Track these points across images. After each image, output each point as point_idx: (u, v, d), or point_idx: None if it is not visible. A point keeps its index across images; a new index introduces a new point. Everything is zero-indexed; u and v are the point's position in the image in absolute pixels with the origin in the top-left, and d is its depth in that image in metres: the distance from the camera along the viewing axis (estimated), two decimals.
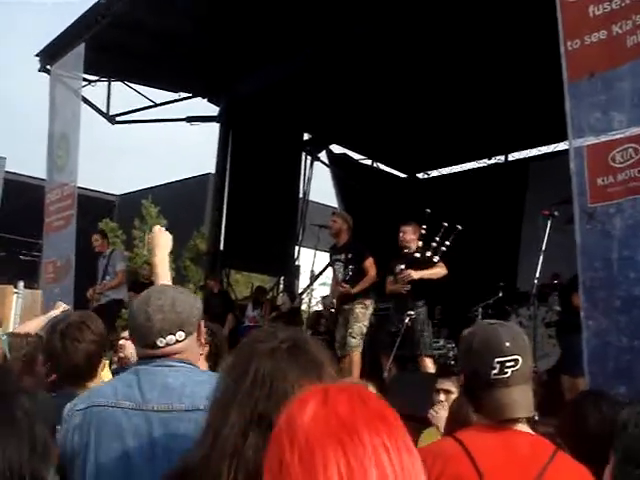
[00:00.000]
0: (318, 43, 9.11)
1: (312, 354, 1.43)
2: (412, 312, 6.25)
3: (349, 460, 0.90)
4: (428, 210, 6.15)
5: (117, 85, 11.08)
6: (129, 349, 4.10)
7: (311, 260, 9.84)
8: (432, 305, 7.10)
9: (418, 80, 10.23)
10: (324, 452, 0.91)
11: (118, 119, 11.54)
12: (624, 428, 1.20)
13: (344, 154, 13.94)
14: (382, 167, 14.68)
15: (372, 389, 3.00)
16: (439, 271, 6.43)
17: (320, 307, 11.15)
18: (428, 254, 6.08)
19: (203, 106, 12.46)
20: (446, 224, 6.12)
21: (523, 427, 1.97)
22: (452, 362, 8.05)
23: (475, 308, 8.78)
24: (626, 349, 3.53)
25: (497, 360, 1.94)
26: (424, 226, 6.15)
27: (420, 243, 6.22)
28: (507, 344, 1.96)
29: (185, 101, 11.98)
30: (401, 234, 6.66)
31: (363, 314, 6.94)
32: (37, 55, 9.66)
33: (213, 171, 12.84)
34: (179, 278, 25.49)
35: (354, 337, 6.83)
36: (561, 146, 10.77)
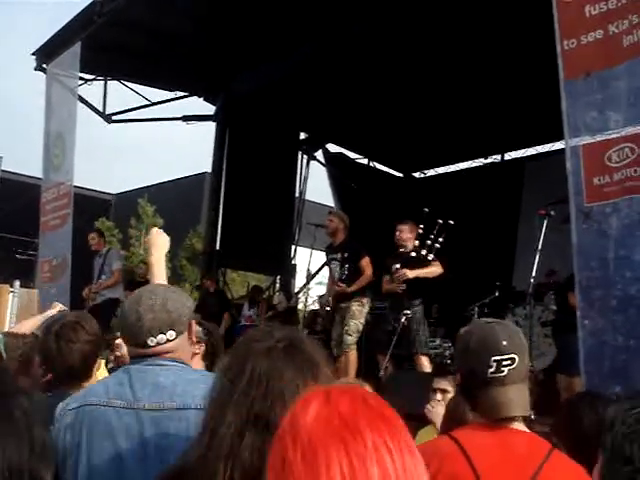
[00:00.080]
0: (314, 42, 9.10)
1: (308, 354, 1.43)
2: (408, 311, 6.25)
3: (351, 459, 0.90)
4: (426, 209, 6.13)
5: (113, 84, 11.09)
6: (125, 348, 4.09)
7: (307, 259, 9.81)
8: (428, 304, 7.11)
9: (414, 79, 10.23)
10: (327, 451, 0.91)
11: (114, 118, 11.54)
12: (611, 426, 1.20)
13: (340, 153, 13.95)
14: (378, 166, 14.69)
15: (368, 388, 3.01)
16: (434, 270, 6.42)
17: (317, 306, 11.15)
18: (423, 252, 6.06)
19: (199, 105, 12.48)
20: (441, 221, 6.10)
21: (519, 426, 1.98)
22: (448, 361, 8.06)
23: (471, 307, 8.80)
24: (622, 348, 3.53)
25: (494, 359, 1.95)
26: (421, 225, 6.13)
27: (417, 242, 6.21)
28: (504, 343, 1.97)
29: (181, 100, 11.98)
30: (397, 233, 6.66)
31: (359, 312, 6.95)
32: (33, 54, 9.64)
33: (209, 170, 12.85)
34: (175, 277, 25.49)
35: (350, 334, 6.83)
36: (557, 145, 10.78)
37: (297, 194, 13.48)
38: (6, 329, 6.05)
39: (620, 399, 1.28)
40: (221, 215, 12.08)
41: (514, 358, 1.96)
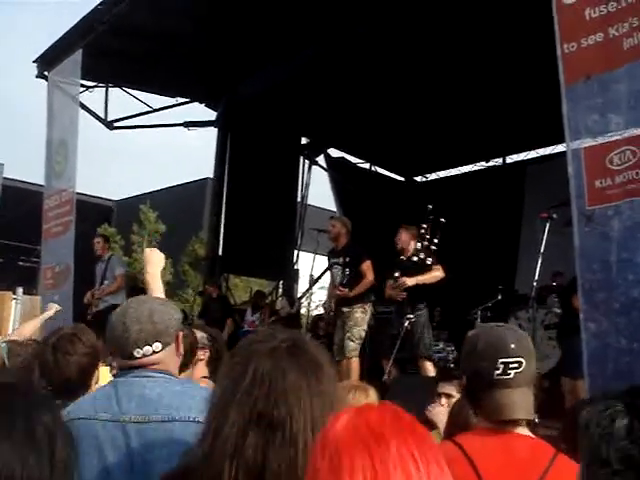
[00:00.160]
0: (315, 47, 9.12)
1: (312, 354, 1.43)
2: (411, 315, 6.25)
3: (375, 465, 0.92)
4: (430, 206, 6.07)
5: (115, 91, 11.11)
6: None
7: (310, 264, 9.83)
8: (431, 308, 7.10)
9: (416, 83, 10.24)
10: (351, 457, 0.94)
11: (116, 125, 11.56)
12: (586, 428, 1.20)
13: (342, 158, 13.95)
14: (380, 171, 14.69)
15: (373, 393, 3.01)
16: (435, 274, 6.40)
17: (320, 311, 11.16)
18: (422, 256, 6.02)
19: (201, 111, 12.49)
20: (432, 216, 6.03)
21: (523, 430, 1.97)
22: (452, 365, 8.06)
23: (474, 311, 8.80)
24: (625, 351, 3.53)
25: (501, 361, 1.95)
26: (424, 225, 6.05)
27: (419, 245, 6.16)
28: (512, 346, 1.97)
29: (183, 106, 12.01)
30: (396, 238, 6.67)
31: (362, 318, 6.94)
32: (35, 61, 9.67)
33: (211, 176, 12.86)
34: (178, 283, 25.53)
35: (352, 341, 6.83)
36: (558, 148, 10.78)
37: (299, 199, 13.47)
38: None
39: (594, 400, 1.27)
40: (223, 220, 12.08)
41: (521, 362, 1.96)
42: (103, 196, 31.82)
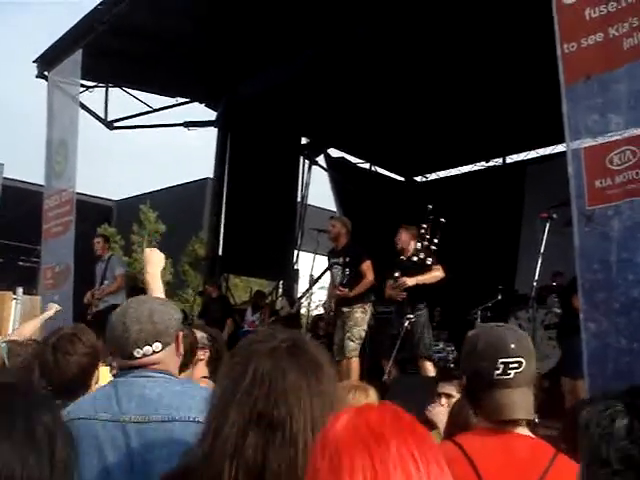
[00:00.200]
0: (315, 48, 9.12)
1: (312, 354, 1.43)
2: (411, 315, 6.25)
3: (375, 465, 0.92)
4: (430, 206, 6.06)
5: (115, 91, 11.11)
6: None
7: (310, 264, 9.83)
8: (431, 308, 7.10)
9: (415, 83, 10.24)
10: (351, 457, 0.94)
11: (116, 125, 11.56)
12: (586, 428, 1.20)
13: (342, 158, 13.95)
14: (380, 171, 14.70)
15: (373, 393, 3.01)
16: (435, 274, 6.40)
17: (321, 310, 11.15)
18: (422, 256, 6.02)
19: (201, 111, 12.49)
20: (432, 216, 6.02)
21: (523, 430, 1.97)
22: (452, 365, 8.06)
23: (474, 311, 8.80)
24: (625, 351, 3.53)
25: (501, 361, 1.95)
26: (424, 225, 6.05)
27: (418, 245, 6.16)
28: (512, 346, 1.97)
29: (183, 106, 12.01)
30: (396, 239, 6.67)
31: (362, 318, 6.94)
32: (35, 61, 9.68)
33: (211, 176, 12.86)
34: (178, 283, 25.52)
35: (352, 341, 6.83)
36: (558, 148, 10.78)
37: (299, 199, 13.48)
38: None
39: (594, 400, 1.27)
40: (223, 220, 12.08)
41: (521, 362, 1.96)
42: (103, 196, 31.86)
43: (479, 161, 13.61)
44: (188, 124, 12.15)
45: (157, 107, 11.67)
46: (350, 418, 1.00)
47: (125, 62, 10.11)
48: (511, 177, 12.31)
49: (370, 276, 6.96)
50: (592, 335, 3.71)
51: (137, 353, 2.11)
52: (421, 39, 8.91)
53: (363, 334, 6.93)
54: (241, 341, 1.50)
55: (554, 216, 5.56)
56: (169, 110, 11.91)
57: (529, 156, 12.80)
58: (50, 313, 5.49)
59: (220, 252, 12.12)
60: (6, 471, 0.91)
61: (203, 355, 3.46)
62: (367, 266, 6.99)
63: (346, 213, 11.33)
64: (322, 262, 8.79)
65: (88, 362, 2.84)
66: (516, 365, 1.95)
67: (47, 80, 9.36)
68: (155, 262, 2.98)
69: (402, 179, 15.02)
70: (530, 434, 1.99)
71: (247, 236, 11.52)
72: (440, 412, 3.37)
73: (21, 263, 19.97)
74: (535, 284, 5.69)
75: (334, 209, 13.73)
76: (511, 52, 8.97)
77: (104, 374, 3.13)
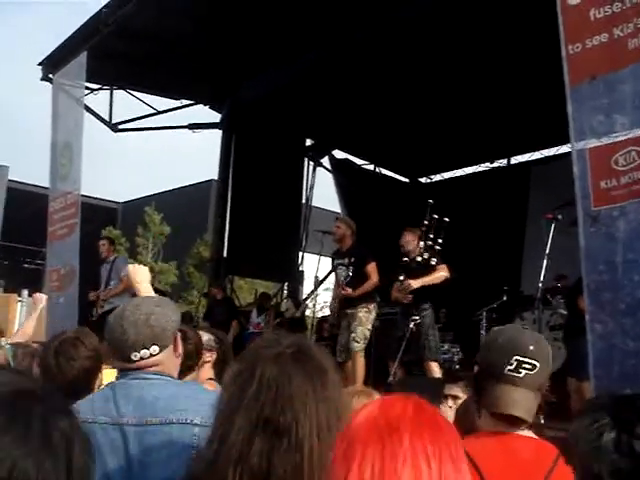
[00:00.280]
0: (319, 49, 9.12)
1: (317, 360, 1.44)
2: (417, 317, 6.23)
3: (384, 458, 0.93)
4: (430, 201, 6.01)
5: (119, 93, 11.13)
6: None
7: (315, 266, 9.84)
8: (436, 309, 7.08)
9: (420, 84, 10.23)
10: (364, 449, 0.95)
11: (121, 127, 11.58)
12: (576, 445, 1.20)
13: (346, 159, 13.96)
14: (384, 172, 14.70)
15: (377, 395, 3.00)
16: (440, 275, 6.39)
17: (326, 312, 11.15)
18: (426, 256, 5.99)
19: (205, 113, 12.51)
20: (436, 216, 5.97)
21: (526, 432, 1.97)
22: (457, 366, 8.05)
23: (479, 312, 8.79)
24: (631, 353, 3.51)
25: (516, 357, 1.96)
26: (425, 222, 5.99)
27: (422, 244, 6.13)
28: (531, 347, 1.98)
29: (187, 108, 12.02)
30: (400, 242, 6.66)
31: (367, 318, 6.93)
32: (40, 64, 9.70)
33: (216, 178, 12.87)
34: (183, 285, 25.56)
35: (357, 341, 6.82)
36: (563, 149, 10.77)
37: (304, 200, 13.48)
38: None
39: (581, 413, 1.27)
40: (228, 222, 12.08)
41: (536, 365, 1.97)
42: (108, 198, 31.92)
43: (484, 162, 13.60)
44: (192, 126, 12.16)
45: (161, 109, 11.69)
46: (373, 409, 1.01)
47: (130, 64, 10.13)
48: (516, 178, 12.30)
49: (375, 278, 6.96)
50: (598, 336, 3.70)
51: (134, 356, 2.12)
52: (426, 40, 8.90)
53: (368, 334, 6.92)
54: (247, 347, 1.51)
55: (559, 217, 5.55)
56: (173, 112, 11.94)
57: (534, 157, 12.78)
58: (41, 305, 5.47)
59: (225, 254, 12.12)
60: (22, 476, 0.91)
61: (210, 357, 3.46)
62: (372, 267, 6.99)
63: (351, 214, 11.31)
64: (327, 264, 8.79)
65: (91, 365, 2.84)
66: (530, 367, 1.96)
67: (52, 83, 9.39)
68: (143, 279, 2.92)
69: (406, 180, 15.01)
70: (533, 435, 1.99)
71: (252, 238, 11.52)
72: (446, 414, 3.36)
73: (26, 265, 20.05)
74: (540, 285, 5.68)
75: (339, 210, 13.72)
76: (515, 53, 8.96)
77: (109, 377, 3.13)
